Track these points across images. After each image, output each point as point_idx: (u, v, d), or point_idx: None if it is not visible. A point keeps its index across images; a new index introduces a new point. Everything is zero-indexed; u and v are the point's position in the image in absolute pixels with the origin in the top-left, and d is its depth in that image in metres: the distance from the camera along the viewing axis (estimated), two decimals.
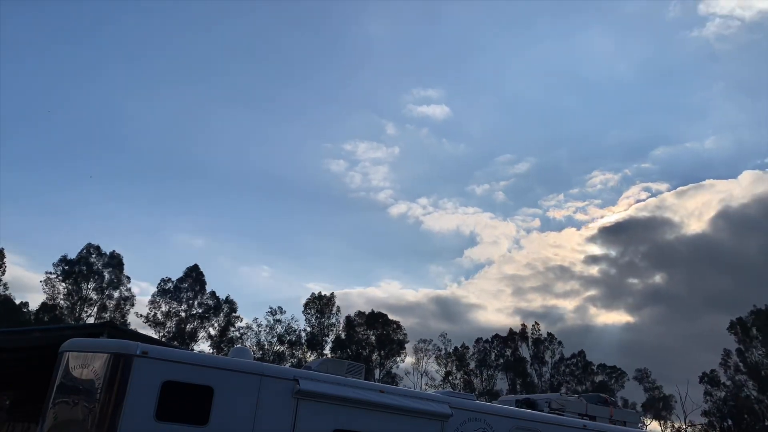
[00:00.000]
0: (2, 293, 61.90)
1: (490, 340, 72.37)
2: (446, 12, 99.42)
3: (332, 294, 71.10)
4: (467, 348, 71.77)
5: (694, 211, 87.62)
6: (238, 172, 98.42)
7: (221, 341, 64.52)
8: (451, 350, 71.36)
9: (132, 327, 55.08)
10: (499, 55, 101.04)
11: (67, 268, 63.99)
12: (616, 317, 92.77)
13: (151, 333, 58.03)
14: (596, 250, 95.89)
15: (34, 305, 63.87)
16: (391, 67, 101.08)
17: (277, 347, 67.01)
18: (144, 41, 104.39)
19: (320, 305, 69.79)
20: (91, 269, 64.79)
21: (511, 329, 73.04)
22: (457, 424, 8.84)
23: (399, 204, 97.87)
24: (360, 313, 70.51)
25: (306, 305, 69.96)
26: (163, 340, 53.13)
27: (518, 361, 70.49)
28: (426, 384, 67.50)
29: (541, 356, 71.13)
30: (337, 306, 70.32)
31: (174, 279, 66.78)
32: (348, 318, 69.76)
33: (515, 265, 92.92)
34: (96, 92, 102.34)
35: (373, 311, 70.84)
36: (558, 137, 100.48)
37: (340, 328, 69.19)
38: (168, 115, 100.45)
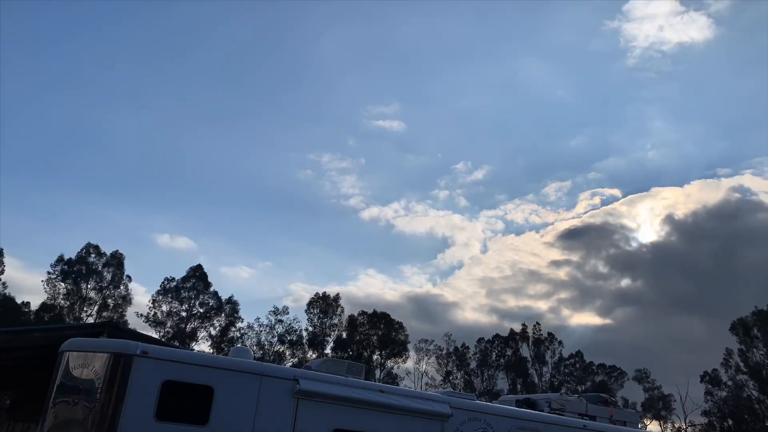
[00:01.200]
0: (2, 293, 61.93)
1: (490, 339, 72.41)
2: (399, 34, 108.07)
3: (337, 294, 71.26)
4: (468, 348, 71.81)
5: (646, 217, 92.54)
6: (220, 179, 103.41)
7: (221, 341, 64.52)
8: (451, 350, 71.44)
9: (132, 327, 55.09)
10: (449, 76, 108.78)
11: (66, 267, 64.00)
12: (588, 318, 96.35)
13: (151, 333, 58.12)
14: (559, 254, 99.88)
15: (34, 305, 63.96)
16: (349, 85, 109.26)
17: (278, 347, 67.06)
18: (138, 55, 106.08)
19: (324, 305, 69.79)
20: (90, 269, 64.80)
21: (511, 329, 73.15)
22: (457, 423, 8.84)
23: (371, 208, 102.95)
24: (362, 313, 70.57)
25: (309, 305, 70.02)
26: (163, 339, 53.13)
27: (519, 361, 70.47)
28: (426, 384, 67.56)
29: (541, 356, 71.14)
30: (341, 306, 70.45)
31: (177, 279, 66.85)
32: (351, 318, 69.80)
33: (486, 266, 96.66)
34: (86, 102, 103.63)
35: (375, 311, 70.93)
36: (510, 148, 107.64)
37: (342, 328, 69.19)
38: (151, 127, 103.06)
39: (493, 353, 71.49)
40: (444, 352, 71.10)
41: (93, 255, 65.66)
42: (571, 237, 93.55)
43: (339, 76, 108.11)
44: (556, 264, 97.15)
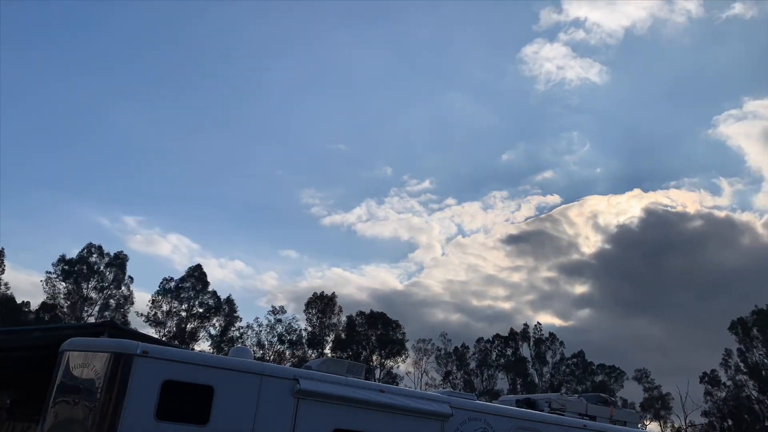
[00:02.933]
0: (3, 293, 61.91)
1: (490, 339, 72.41)
2: (354, 64, 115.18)
3: (333, 294, 71.25)
4: (467, 348, 71.81)
5: (587, 224, 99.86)
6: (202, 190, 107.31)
7: (221, 341, 64.51)
8: (451, 350, 71.41)
9: (132, 326, 55.06)
10: (387, 104, 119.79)
11: (66, 267, 64.00)
12: (551, 319, 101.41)
13: (151, 332, 58.09)
14: (511, 258, 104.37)
15: (34, 305, 63.95)
16: (304, 114, 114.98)
17: (278, 347, 67.03)
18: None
19: (322, 305, 69.78)
20: (91, 269, 64.81)
21: (512, 329, 73.14)
22: (457, 423, 8.84)
23: (333, 215, 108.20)
24: (360, 313, 70.56)
25: (307, 305, 70.00)
26: (163, 339, 53.12)
27: (519, 361, 70.46)
28: (426, 384, 67.56)
29: (542, 356, 71.13)
30: (339, 306, 70.44)
31: (176, 278, 66.86)
32: (349, 318, 69.79)
33: (446, 269, 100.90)
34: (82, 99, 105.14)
35: (372, 311, 70.91)
36: (450, 162, 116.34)
37: (341, 328, 69.17)
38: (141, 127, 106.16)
39: (493, 353, 71.51)
40: (443, 352, 71.16)
41: (95, 255, 65.71)
42: (519, 241, 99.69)
43: (291, 98, 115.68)
44: (510, 268, 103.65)
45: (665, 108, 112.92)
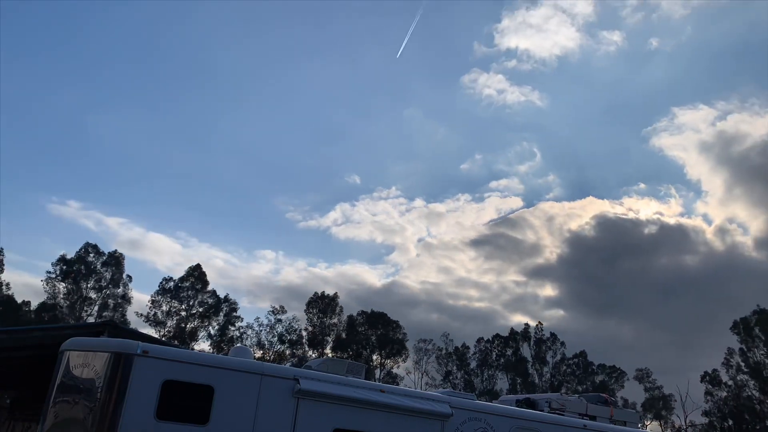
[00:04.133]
0: (3, 292, 61.92)
1: (491, 339, 72.43)
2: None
3: (335, 294, 71.29)
4: (468, 348, 71.85)
5: (546, 228, 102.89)
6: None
7: (221, 340, 64.52)
8: (452, 350, 71.42)
9: (132, 326, 55.07)
10: (355, 119, 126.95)
11: (65, 267, 64.01)
12: (524, 319, 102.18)
13: (151, 332, 58.08)
14: (481, 261, 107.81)
15: (34, 305, 63.95)
16: (275, 126, 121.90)
17: (278, 346, 67.06)
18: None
19: (323, 305, 69.79)
20: (90, 268, 64.81)
21: (512, 329, 73.19)
22: (457, 423, 8.84)
23: (308, 221, 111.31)
24: (361, 313, 70.59)
25: (308, 304, 70.02)
26: (163, 339, 53.12)
27: (519, 360, 70.48)
28: (426, 384, 67.57)
29: (542, 356, 71.15)
30: (340, 306, 70.46)
31: (175, 278, 66.88)
32: (350, 317, 69.80)
33: (421, 270, 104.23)
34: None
35: (373, 311, 70.93)
36: (416, 170, 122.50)
37: (342, 328, 69.18)
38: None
39: (494, 353, 71.53)
40: (444, 351, 71.18)
41: (92, 255, 65.69)
42: (486, 244, 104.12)
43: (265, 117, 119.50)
44: (480, 270, 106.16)
45: (605, 124, 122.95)
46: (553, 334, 72.28)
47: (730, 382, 62.19)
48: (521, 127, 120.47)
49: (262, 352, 64.52)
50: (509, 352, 71.19)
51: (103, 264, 65.46)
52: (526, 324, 73.28)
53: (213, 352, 55.54)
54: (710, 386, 63.18)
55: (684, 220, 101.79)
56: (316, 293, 71.15)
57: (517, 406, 10.86)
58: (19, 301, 63.85)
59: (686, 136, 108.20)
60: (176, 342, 56.44)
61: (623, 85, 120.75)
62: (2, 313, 58.46)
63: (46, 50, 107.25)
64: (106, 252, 66.28)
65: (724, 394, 62.33)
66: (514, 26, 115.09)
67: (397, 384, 61.95)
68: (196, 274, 67.10)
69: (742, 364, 61.63)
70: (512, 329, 73.01)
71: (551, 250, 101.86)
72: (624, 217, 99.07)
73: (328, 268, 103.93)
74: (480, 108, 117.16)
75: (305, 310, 69.64)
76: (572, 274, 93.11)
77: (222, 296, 67.14)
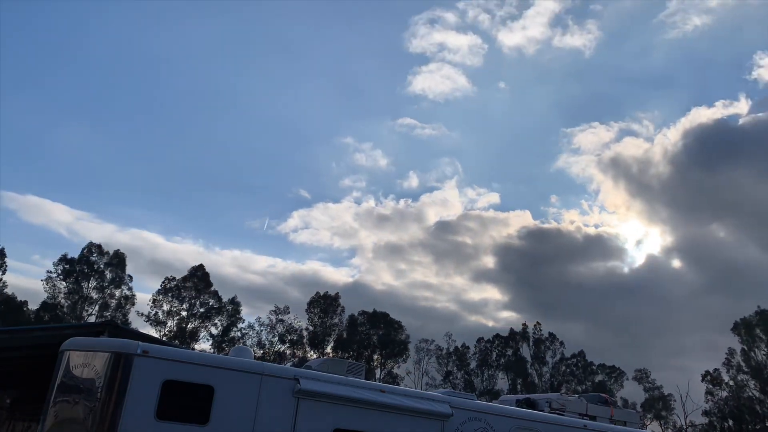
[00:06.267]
0: (3, 292, 61.94)
1: (491, 339, 72.44)
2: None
3: (337, 294, 71.28)
4: (468, 348, 71.84)
5: (483, 236, 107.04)
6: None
7: (222, 340, 64.53)
8: (452, 350, 71.44)
9: (133, 326, 55.08)
10: (320, 149, 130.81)
11: (67, 267, 64.01)
12: (484, 320, 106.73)
13: (152, 332, 58.10)
14: (431, 266, 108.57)
15: (34, 304, 63.95)
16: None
17: (278, 346, 67.04)
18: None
19: (324, 305, 69.78)
20: (92, 268, 64.80)
21: (512, 329, 73.19)
22: (457, 423, 8.84)
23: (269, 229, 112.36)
24: (362, 313, 70.55)
25: (310, 304, 69.98)
26: (164, 339, 53.14)
27: (519, 360, 70.47)
28: (427, 384, 67.55)
29: (542, 356, 71.14)
30: (341, 306, 70.45)
31: (177, 278, 66.84)
32: (351, 317, 69.77)
33: (380, 273, 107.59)
34: None
35: (375, 311, 70.89)
36: (361, 184, 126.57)
37: (343, 328, 69.16)
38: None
39: (494, 353, 71.52)
40: (444, 351, 71.20)
41: (95, 254, 65.68)
42: (434, 248, 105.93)
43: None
44: (433, 273, 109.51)
45: (518, 148, 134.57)
46: (551, 334, 72.33)
47: (730, 382, 62.19)
48: (445, 152, 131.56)
49: (262, 352, 64.54)
50: (509, 352, 71.19)
51: (106, 264, 65.47)
52: (524, 324, 73.37)
53: (214, 352, 55.58)
54: (711, 386, 63.19)
55: (600, 230, 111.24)
56: (318, 293, 71.22)
57: (517, 406, 10.86)
58: (19, 300, 63.91)
59: (584, 157, 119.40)
60: (177, 342, 56.46)
61: (525, 114, 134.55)
62: (2, 313, 58.49)
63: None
64: (110, 251, 66.36)
65: (725, 394, 62.33)
66: (422, 77, 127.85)
67: (398, 384, 61.96)
68: (199, 274, 67.08)
69: (743, 364, 61.62)
70: (512, 329, 73.14)
71: (491, 257, 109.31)
72: (550, 226, 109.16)
73: (294, 272, 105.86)
74: (406, 135, 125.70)
75: (306, 310, 69.70)
76: (513, 278, 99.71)
77: (222, 296, 67.22)
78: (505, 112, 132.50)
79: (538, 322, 73.52)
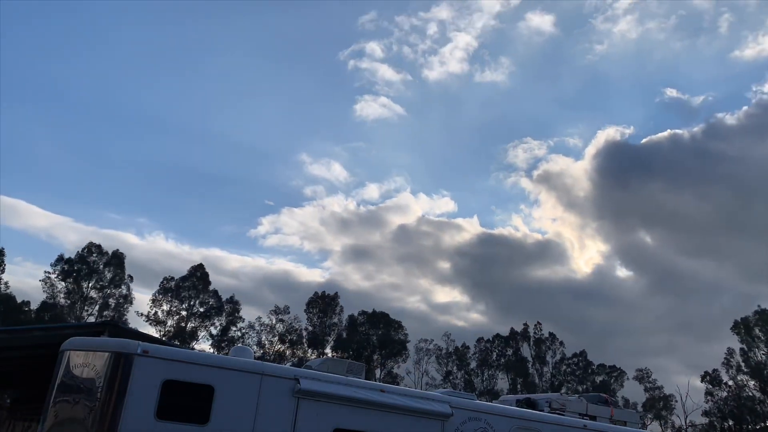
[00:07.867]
0: (3, 292, 61.93)
1: (491, 339, 72.43)
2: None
3: (336, 294, 71.32)
4: (468, 348, 71.85)
5: (441, 242, 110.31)
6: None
7: (222, 340, 64.54)
8: (452, 350, 71.44)
9: (132, 326, 55.07)
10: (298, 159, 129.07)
11: (66, 267, 64.00)
12: (455, 321, 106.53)
13: (151, 332, 58.10)
14: (398, 268, 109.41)
15: (34, 304, 63.94)
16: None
17: (278, 346, 67.04)
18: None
19: (323, 304, 69.79)
20: (91, 268, 64.80)
21: (512, 329, 73.18)
22: (457, 423, 8.84)
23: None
24: (362, 312, 70.60)
25: (309, 304, 70.00)
26: (163, 339, 53.15)
27: (519, 360, 70.49)
28: (427, 384, 67.55)
29: (542, 356, 71.15)
30: (341, 306, 70.49)
31: (176, 278, 66.87)
32: (351, 317, 69.81)
33: (353, 275, 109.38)
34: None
35: (374, 311, 70.93)
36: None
37: (342, 328, 69.18)
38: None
39: (494, 353, 71.53)
40: (444, 351, 71.23)
41: (95, 254, 65.68)
42: (400, 253, 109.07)
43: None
44: (401, 275, 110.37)
45: (463, 163, 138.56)
46: (551, 334, 72.36)
47: (730, 382, 62.23)
48: (401, 168, 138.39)
49: (262, 352, 64.56)
50: (509, 352, 71.21)
51: (106, 264, 65.45)
52: (525, 324, 73.37)
53: (214, 352, 55.58)
54: (710, 386, 63.22)
55: (549, 237, 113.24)
56: (316, 293, 71.24)
57: (517, 406, 10.85)
58: (20, 300, 63.91)
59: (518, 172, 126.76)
60: (176, 342, 56.47)
61: (466, 126, 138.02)
62: (2, 313, 58.51)
63: None
64: (109, 251, 66.35)
65: (725, 394, 62.36)
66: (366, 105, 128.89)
67: (398, 384, 61.97)
68: (198, 274, 67.10)
69: (743, 364, 61.64)
70: (512, 329, 73.14)
71: (448, 262, 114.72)
72: (501, 233, 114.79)
73: (269, 272, 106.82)
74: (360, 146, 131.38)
75: (305, 310, 69.73)
76: (472, 281, 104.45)
77: (222, 296, 67.25)
78: (443, 133, 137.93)
79: (538, 322, 73.66)
